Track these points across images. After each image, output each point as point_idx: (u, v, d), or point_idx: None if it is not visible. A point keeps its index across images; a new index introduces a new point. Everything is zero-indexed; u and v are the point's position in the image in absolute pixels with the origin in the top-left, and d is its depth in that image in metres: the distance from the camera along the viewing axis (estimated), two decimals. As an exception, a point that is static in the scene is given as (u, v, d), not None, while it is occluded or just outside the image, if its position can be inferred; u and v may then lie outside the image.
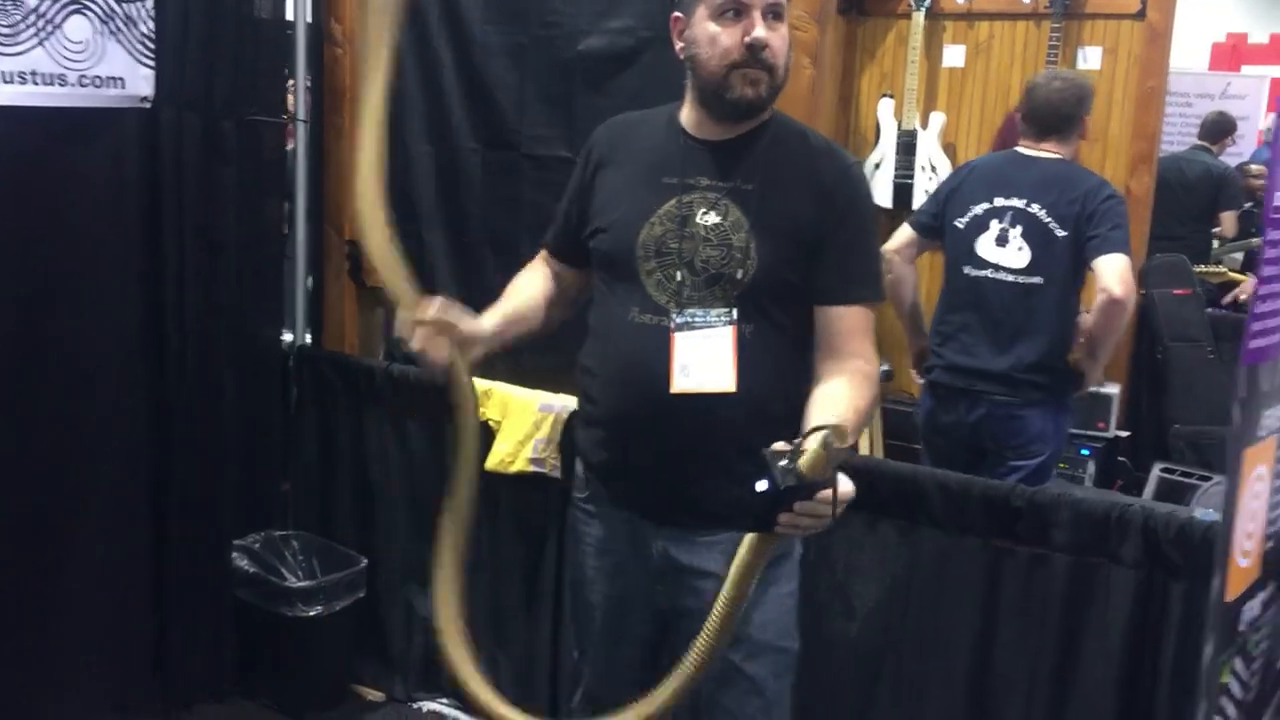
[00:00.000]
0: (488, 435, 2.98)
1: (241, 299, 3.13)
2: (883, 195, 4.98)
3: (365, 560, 3.20)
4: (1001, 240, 3.14)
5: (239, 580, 3.14)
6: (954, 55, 5.07)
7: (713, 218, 1.93)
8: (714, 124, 1.97)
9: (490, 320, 2.05)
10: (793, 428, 1.86)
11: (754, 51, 1.86)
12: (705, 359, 1.88)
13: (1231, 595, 1.50)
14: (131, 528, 2.95)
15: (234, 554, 3.16)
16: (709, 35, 1.89)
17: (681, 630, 1.99)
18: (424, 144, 3.15)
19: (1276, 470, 1.59)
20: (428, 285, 3.15)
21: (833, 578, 2.61)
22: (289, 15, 3.28)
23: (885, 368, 4.14)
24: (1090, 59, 4.82)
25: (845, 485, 1.63)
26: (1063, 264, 3.08)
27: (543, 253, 2.23)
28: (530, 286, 2.19)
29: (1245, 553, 1.53)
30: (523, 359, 2.98)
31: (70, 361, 2.80)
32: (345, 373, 3.26)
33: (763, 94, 1.90)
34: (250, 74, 3.09)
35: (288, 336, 3.43)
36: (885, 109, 5.02)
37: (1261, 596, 1.62)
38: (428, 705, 3.21)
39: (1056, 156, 3.17)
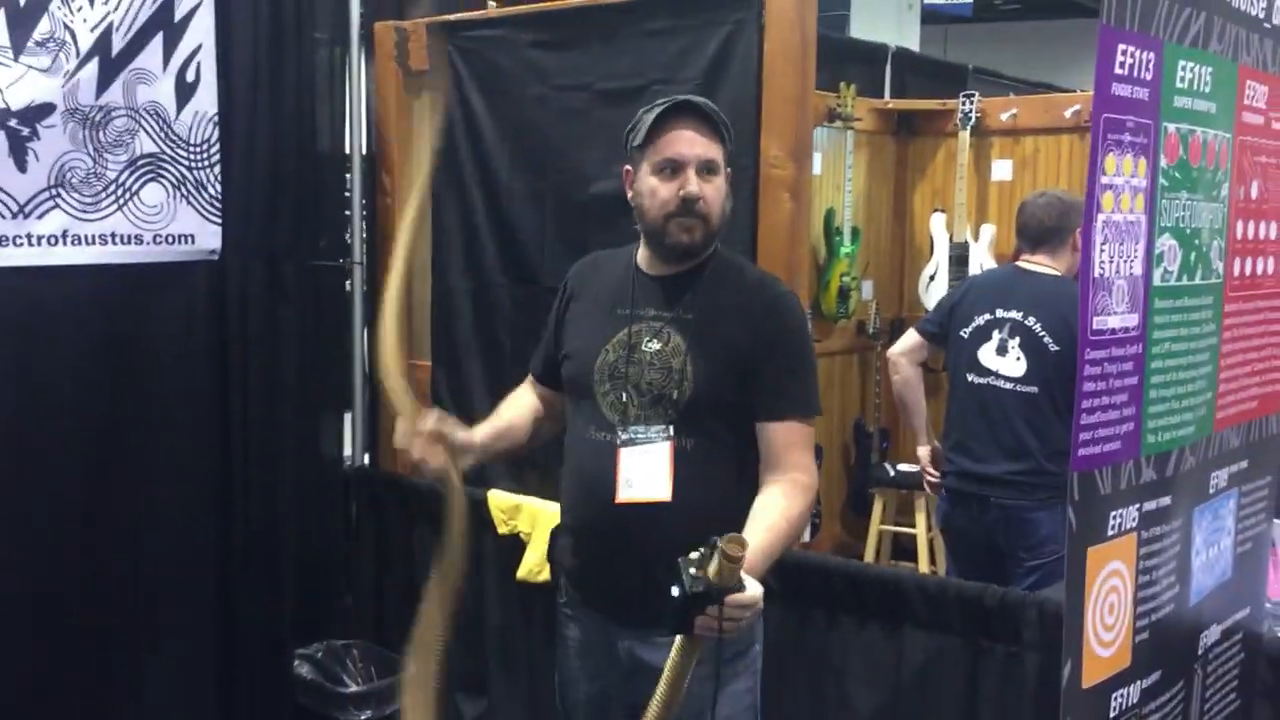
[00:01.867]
0: (519, 547, 3.22)
1: (302, 427, 3.46)
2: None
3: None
4: (1001, 350, 3.28)
5: (300, 687, 3.40)
6: (1002, 169, 5.23)
7: (655, 344, 2.16)
8: (660, 262, 2.21)
9: (480, 433, 2.30)
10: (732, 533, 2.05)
11: (688, 204, 2.11)
12: (645, 472, 2.09)
13: (1090, 682, 1.63)
14: (199, 639, 3.24)
15: (296, 662, 3.43)
16: (650, 188, 2.15)
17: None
18: (461, 279, 3.45)
19: (1144, 566, 1.72)
20: (467, 409, 3.46)
21: (833, 678, 2.76)
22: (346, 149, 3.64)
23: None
24: (1132, 167, 4.93)
25: (753, 590, 1.82)
26: (1056, 375, 3.19)
27: (529, 376, 2.48)
28: (518, 404, 2.43)
29: (1105, 643, 1.65)
30: (550, 474, 3.23)
31: (145, 481, 3.14)
32: (398, 491, 3.54)
33: (697, 239, 2.14)
34: (311, 217, 3.46)
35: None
36: (938, 223, 5.18)
37: (1142, 684, 1.74)
38: (476, 806, 3.40)
39: (1052, 273, 3.31)
